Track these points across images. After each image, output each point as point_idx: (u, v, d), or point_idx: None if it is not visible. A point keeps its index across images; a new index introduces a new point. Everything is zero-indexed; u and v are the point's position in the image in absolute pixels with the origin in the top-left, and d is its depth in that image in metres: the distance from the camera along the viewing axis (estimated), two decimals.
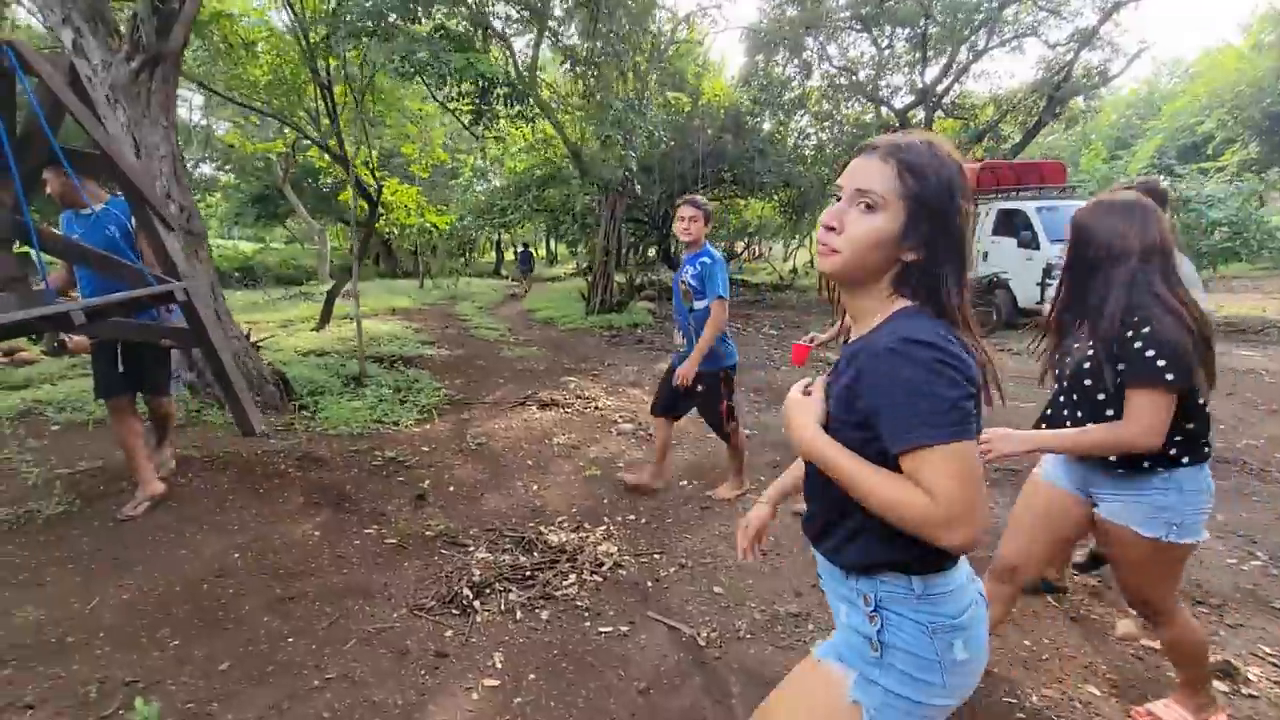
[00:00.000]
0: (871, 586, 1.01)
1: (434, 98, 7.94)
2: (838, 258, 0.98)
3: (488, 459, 4.20)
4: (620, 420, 5.25)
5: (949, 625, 0.97)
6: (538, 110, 8.24)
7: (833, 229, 0.98)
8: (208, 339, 2.90)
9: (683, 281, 3.30)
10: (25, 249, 2.84)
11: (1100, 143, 20.61)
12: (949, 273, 0.95)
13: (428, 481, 3.65)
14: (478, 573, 2.67)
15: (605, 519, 3.33)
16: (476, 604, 2.49)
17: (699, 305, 3.25)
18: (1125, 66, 14.72)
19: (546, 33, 8.45)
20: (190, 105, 17.85)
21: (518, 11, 8.15)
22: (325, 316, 9.13)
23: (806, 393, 1.09)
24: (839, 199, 1.00)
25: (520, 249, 20.17)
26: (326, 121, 8.00)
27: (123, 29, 4.42)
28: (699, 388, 3.31)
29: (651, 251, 20.21)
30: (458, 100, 6.48)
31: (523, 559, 2.82)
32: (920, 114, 15.91)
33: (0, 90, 2.57)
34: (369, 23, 4.79)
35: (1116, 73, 14.73)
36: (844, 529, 1.03)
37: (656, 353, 8.86)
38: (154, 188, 2.89)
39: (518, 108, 7.07)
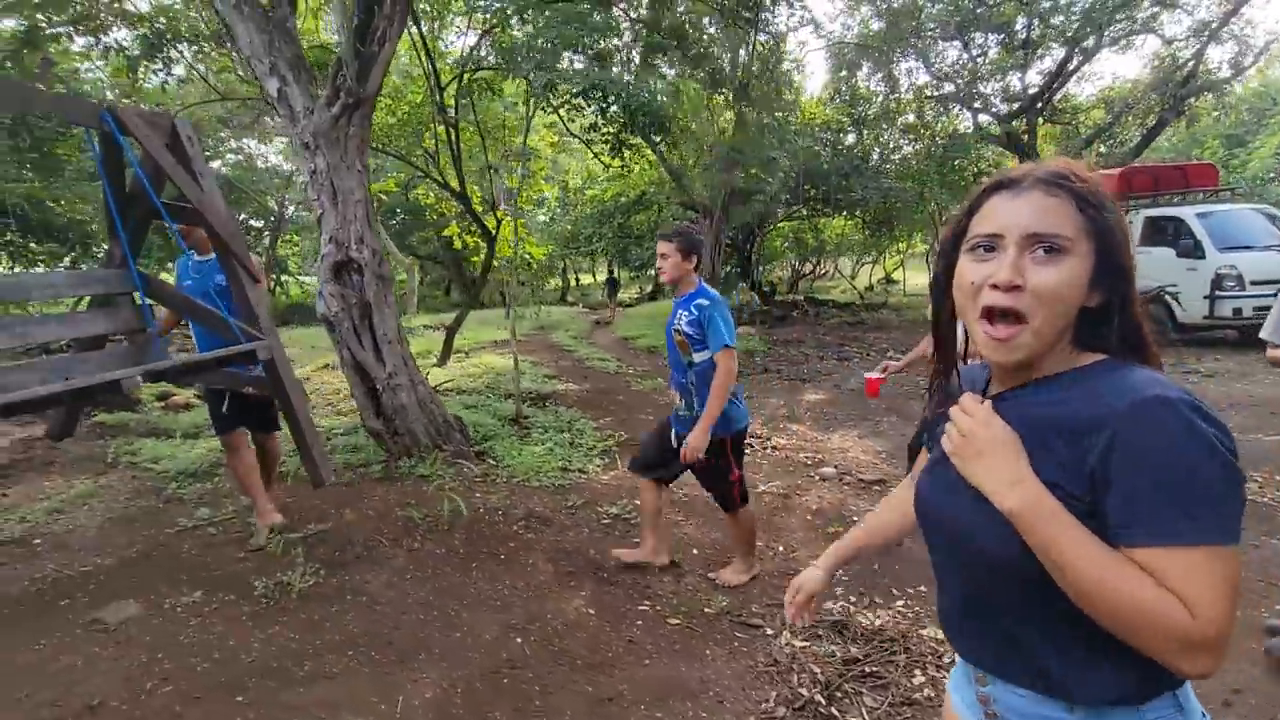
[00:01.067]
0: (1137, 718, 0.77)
1: (568, 130, 7.85)
2: (1027, 330, 0.77)
3: (704, 512, 3.85)
4: (810, 462, 4.86)
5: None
6: (666, 137, 8.07)
7: (1017, 287, 0.76)
8: (284, 392, 3.01)
9: (676, 330, 2.77)
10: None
11: (1215, 141, 19.28)
12: (1139, 312, 0.80)
13: (690, 548, 3.30)
14: (817, 669, 2.30)
15: (893, 590, 2.92)
16: (834, 712, 2.12)
17: (700, 358, 2.72)
18: (1255, 60, 13.68)
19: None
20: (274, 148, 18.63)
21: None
22: (446, 353, 9.10)
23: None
24: (988, 248, 0.79)
25: (607, 276, 20.27)
26: (445, 160, 8.01)
27: (316, 76, 4.38)
28: (704, 458, 2.75)
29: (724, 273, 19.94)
30: (599, 130, 6.36)
31: (852, 649, 2.43)
32: (1022, 121, 15.13)
33: (106, 152, 2.81)
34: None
35: (1247, 66, 13.68)
36: (1053, 646, 0.78)
37: (789, 381, 8.45)
38: (242, 240, 3.02)
39: (660, 136, 6.89)
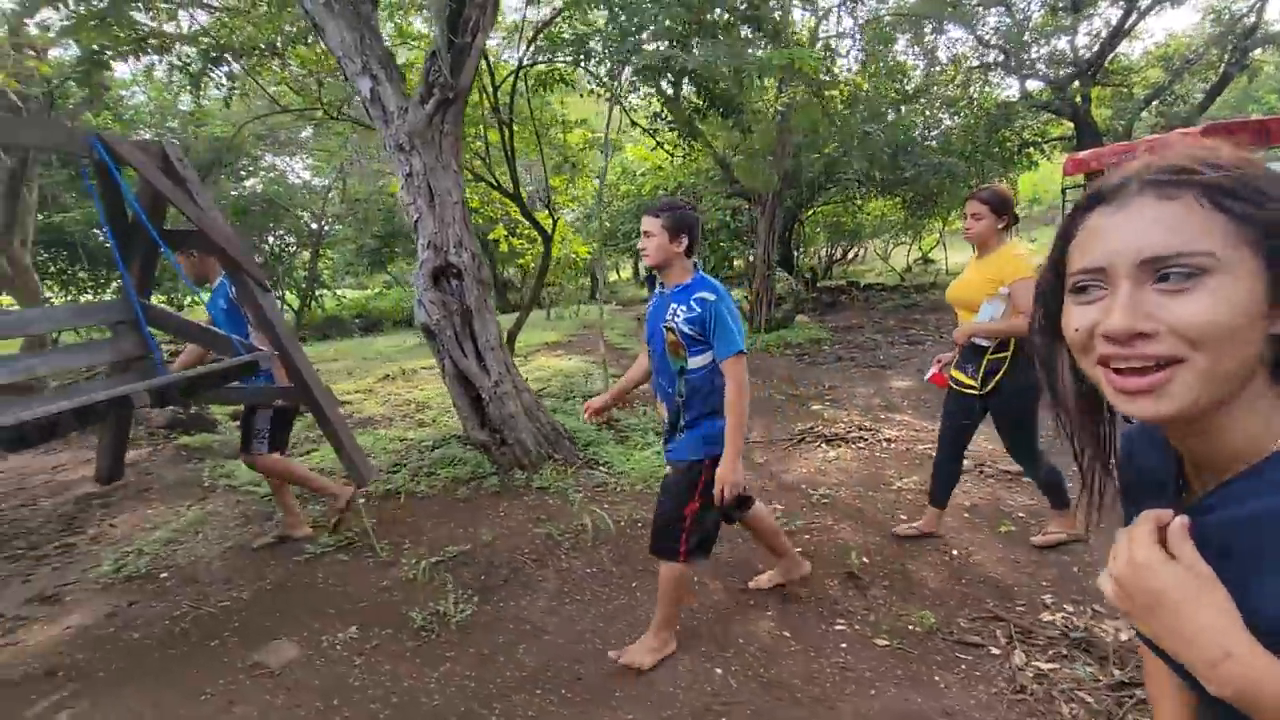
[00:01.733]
0: None
1: (632, 120, 7.59)
2: (1185, 374, 0.54)
3: (847, 513, 3.57)
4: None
5: None
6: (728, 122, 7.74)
7: (1146, 335, 0.55)
8: (311, 396, 3.01)
9: (667, 327, 2.23)
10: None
11: (1272, 96, 18.37)
12: None
13: (854, 554, 3.03)
14: (1088, 697, 2.01)
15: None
16: None
17: (696, 363, 2.21)
18: None
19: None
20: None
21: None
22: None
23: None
24: (1096, 286, 0.58)
25: (648, 273, 20.12)
26: (498, 161, 7.79)
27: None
28: (677, 469, 2.29)
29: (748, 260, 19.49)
30: (664, 119, 6.08)
31: (1115, 672, 2.13)
32: (1075, 86, 14.50)
33: (101, 182, 2.81)
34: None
35: None
36: None
37: (868, 369, 8.10)
38: (251, 255, 3.06)
39: (733, 119, 6.57)
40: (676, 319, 2.20)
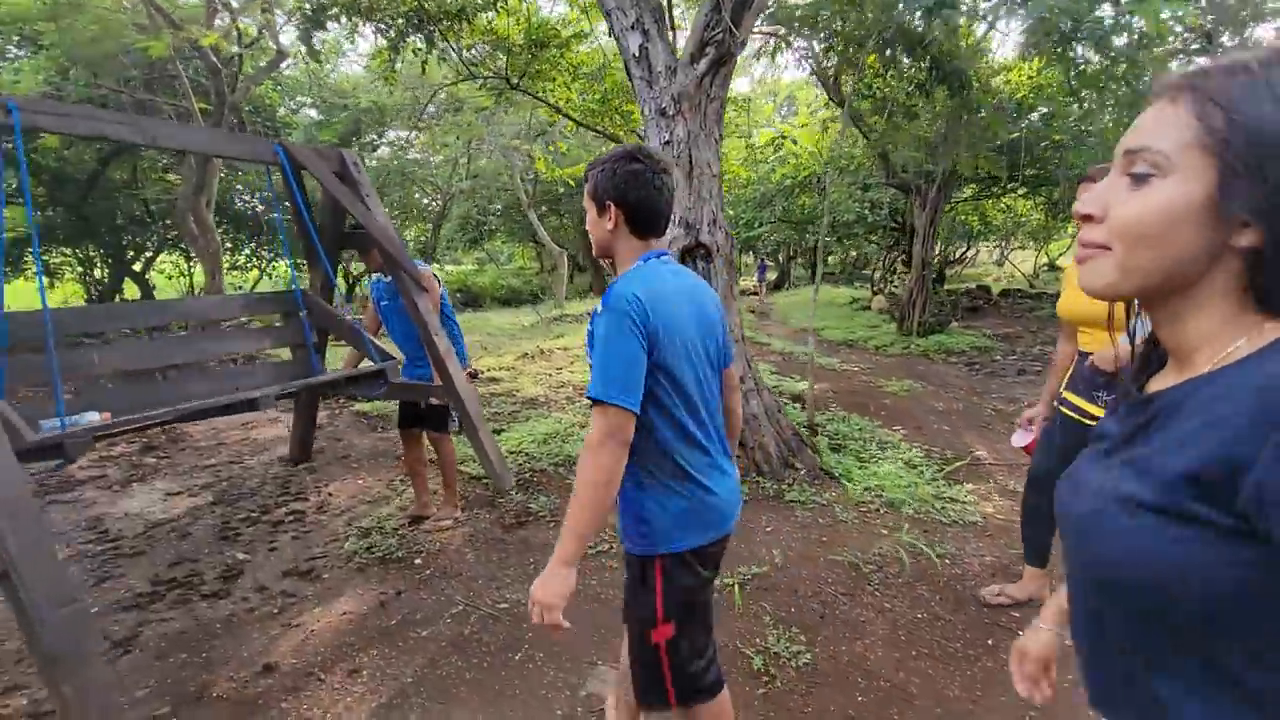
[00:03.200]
0: None
1: (831, 98, 7.01)
2: (1106, 261, 0.61)
3: None
4: None
5: None
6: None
7: (1090, 218, 0.63)
8: (459, 398, 3.19)
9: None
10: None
11: None
12: None
13: None
14: None
15: None
16: None
17: None
18: None
19: None
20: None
21: None
22: None
23: None
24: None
25: (759, 261, 19.67)
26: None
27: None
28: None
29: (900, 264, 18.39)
30: (873, 93, 5.51)
31: None
32: None
33: (284, 185, 3.10)
34: None
35: None
36: (1169, 683, 0.59)
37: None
38: (407, 255, 3.16)
39: (960, 92, 5.92)
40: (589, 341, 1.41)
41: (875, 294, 16.20)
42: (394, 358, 3.15)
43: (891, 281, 16.40)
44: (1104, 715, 0.69)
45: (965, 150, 8.84)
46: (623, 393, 1.27)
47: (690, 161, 3.62)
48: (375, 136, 17.81)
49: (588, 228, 1.51)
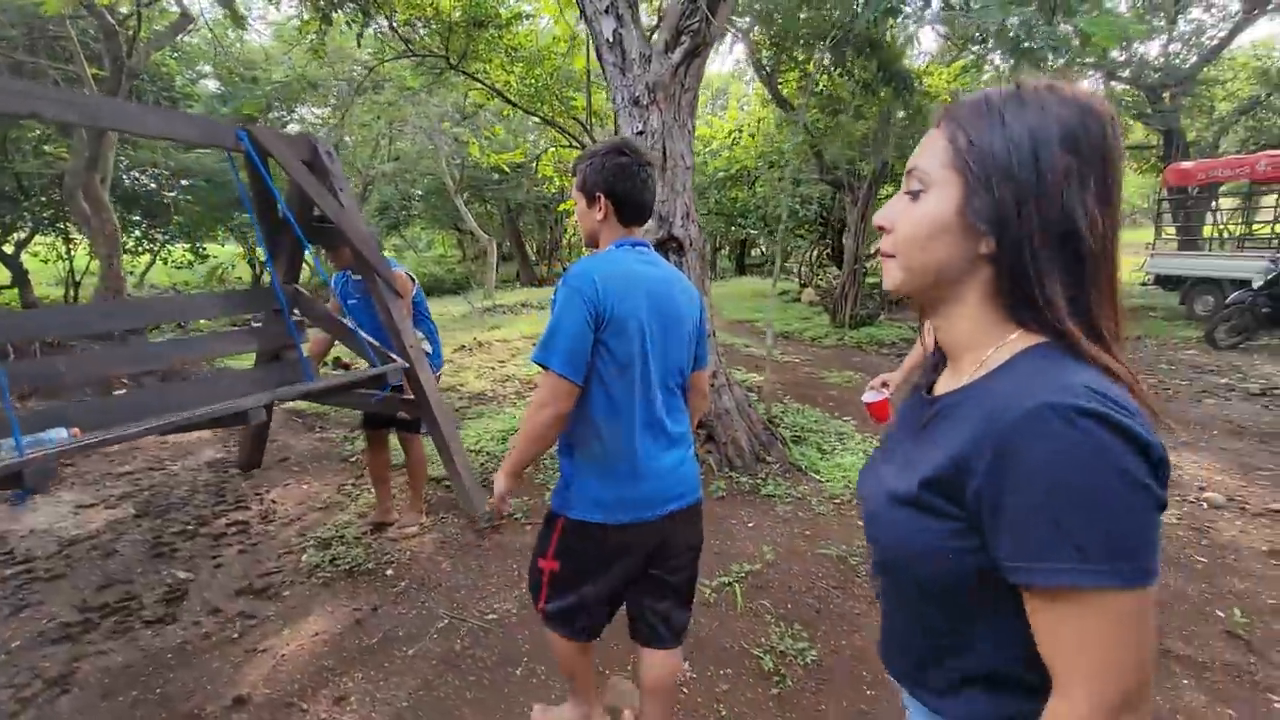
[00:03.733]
0: None
1: (770, 94, 7.03)
2: (893, 265, 0.71)
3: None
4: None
5: None
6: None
7: (884, 228, 0.73)
8: (430, 414, 2.99)
9: None
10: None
11: None
12: (1047, 266, 0.62)
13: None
14: None
15: None
16: None
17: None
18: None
19: None
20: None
21: None
22: None
23: None
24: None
25: None
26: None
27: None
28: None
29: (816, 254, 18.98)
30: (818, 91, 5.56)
31: None
32: (1166, 94, 14.01)
33: (250, 174, 2.89)
34: None
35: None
36: (947, 672, 0.71)
37: None
38: (382, 257, 3.00)
39: (902, 97, 6.07)
40: None
41: (804, 287, 16.69)
42: (393, 359, 2.92)
43: (818, 275, 16.95)
44: (886, 664, 0.83)
45: (894, 150, 9.25)
46: (565, 364, 1.39)
47: (664, 153, 3.55)
48: (285, 114, 16.63)
49: (578, 219, 1.61)
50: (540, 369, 1.42)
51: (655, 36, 3.56)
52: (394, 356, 2.96)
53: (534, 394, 1.48)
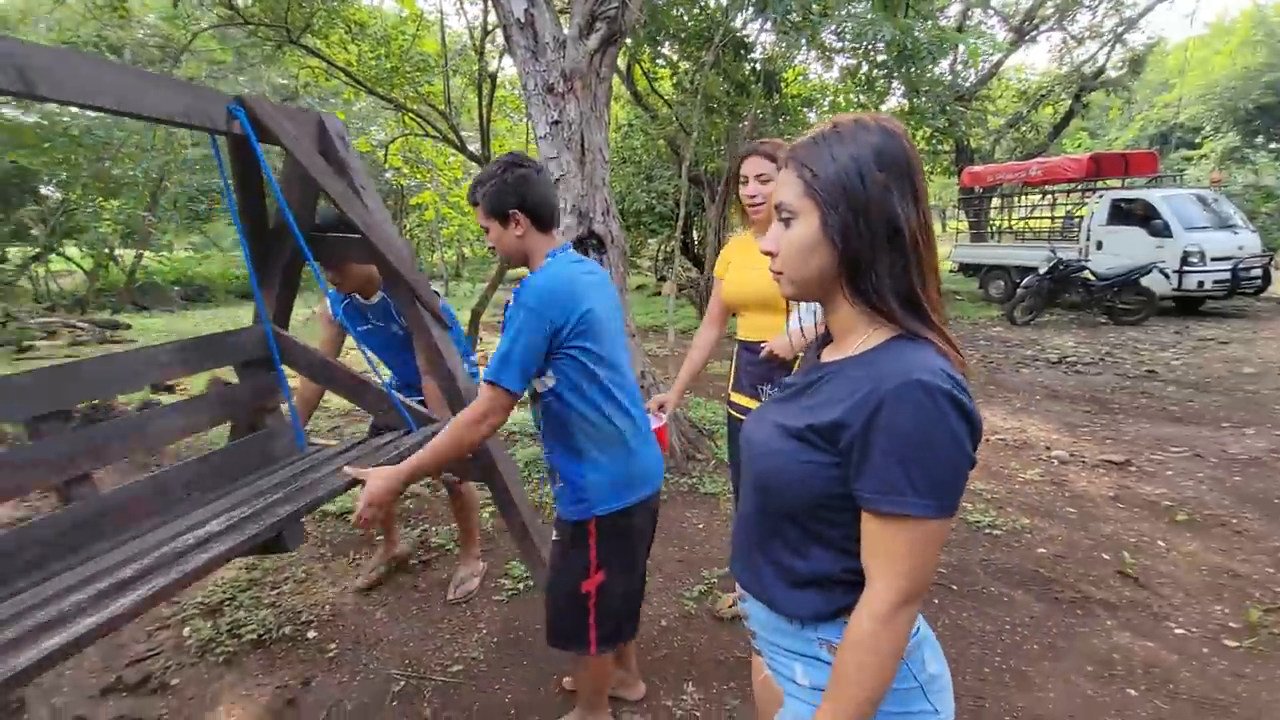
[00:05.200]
0: (836, 631, 0.88)
1: (627, 89, 6.94)
2: (783, 280, 0.91)
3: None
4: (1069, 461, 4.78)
5: (912, 644, 0.87)
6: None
7: (770, 253, 0.92)
8: (498, 477, 2.15)
9: None
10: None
11: (1082, 133, 22.01)
12: (880, 259, 0.82)
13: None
14: None
15: None
16: None
17: (541, 386, 1.57)
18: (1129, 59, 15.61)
19: None
20: None
21: None
22: (473, 338, 8.01)
23: None
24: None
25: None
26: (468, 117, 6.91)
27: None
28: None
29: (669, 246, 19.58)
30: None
31: None
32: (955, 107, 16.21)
33: (238, 163, 2.02)
34: None
35: (1141, 64, 15.59)
36: (791, 576, 0.92)
37: None
38: (423, 276, 2.19)
39: (774, 97, 6.24)
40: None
41: (662, 280, 17.12)
42: (435, 420, 2.21)
43: (669, 268, 17.49)
44: (736, 571, 1.00)
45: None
46: (518, 381, 1.45)
47: (582, 145, 3.36)
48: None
49: (492, 244, 1.60)
50: (487, 386, 1.46)
51: (567, 22, 3.35)
52: (430, 415, 2.23)
53: (471, 408, 1.49)
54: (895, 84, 16.51)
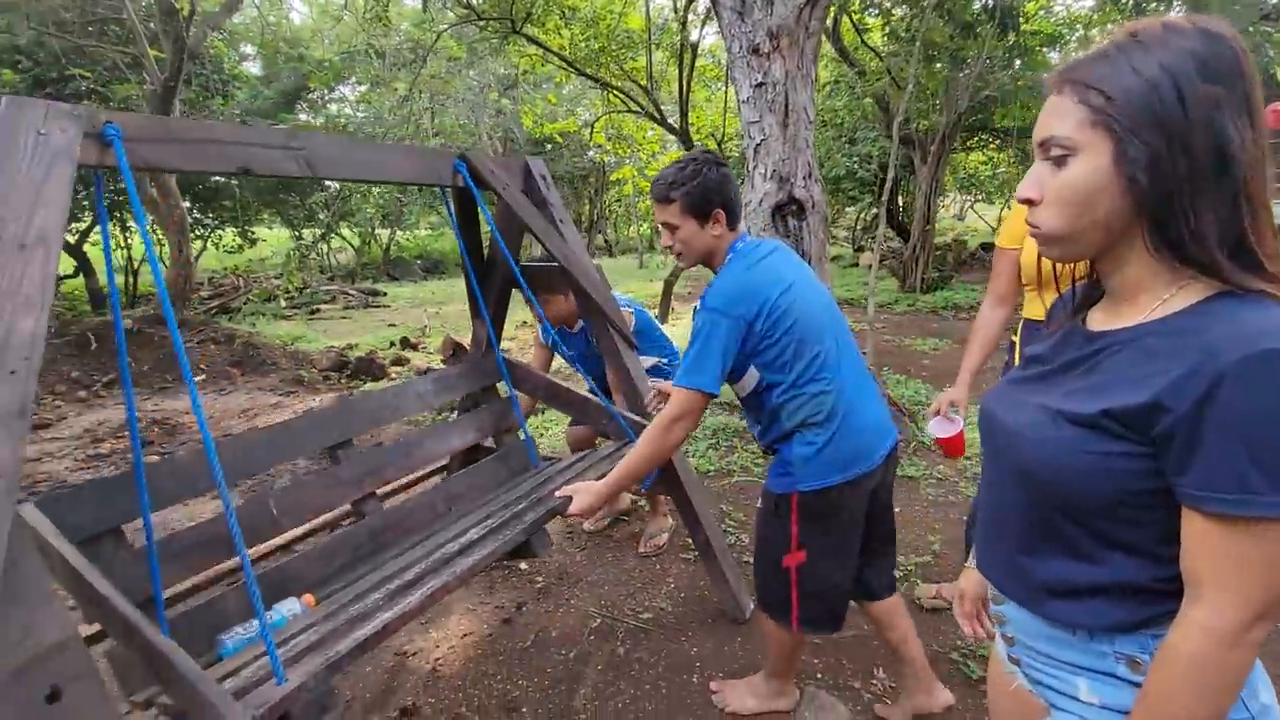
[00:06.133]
0: (1139, 645, 0.74)
1: (862, 41, 6.55)
2: (1047, 234, 0.73)
3: None
4: None
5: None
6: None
7: (1031, 201, 0.74)
8: (693, 508, 2.26)
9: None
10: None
11: None
12: (1202, 201, 0.64)
13: None
14: None
15: None
16: None
17: (743, 387, 1.60)
18: None
19: None
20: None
21: None
22: (664, 310, 8.25)
23: None
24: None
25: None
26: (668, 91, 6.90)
27: None
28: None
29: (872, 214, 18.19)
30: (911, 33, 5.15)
31: None
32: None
33: (461, 210, 2.38)
34: None
35: None
36: (1074, 583, 0.76)
37: None
38: (615, 304, 2.36)
39: (1011, 35, 5.57)
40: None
41: (859, 250, 16.10)
42: (643, 415, 2.32)
43: (873, 237, 16.35)
44: (987, 570, 0.88)
45: (967, 100, 8.67)
46: (714, 383, 1.48)
47: (786, 106, 3.24)
48: (326, 91, 16.56)
49: (686, 242, 1.58)
50: (681, 390, 1.51)
51: None
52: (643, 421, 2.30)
53: (663, 413, 1.54)
54: (1176, 5, 13.58)
